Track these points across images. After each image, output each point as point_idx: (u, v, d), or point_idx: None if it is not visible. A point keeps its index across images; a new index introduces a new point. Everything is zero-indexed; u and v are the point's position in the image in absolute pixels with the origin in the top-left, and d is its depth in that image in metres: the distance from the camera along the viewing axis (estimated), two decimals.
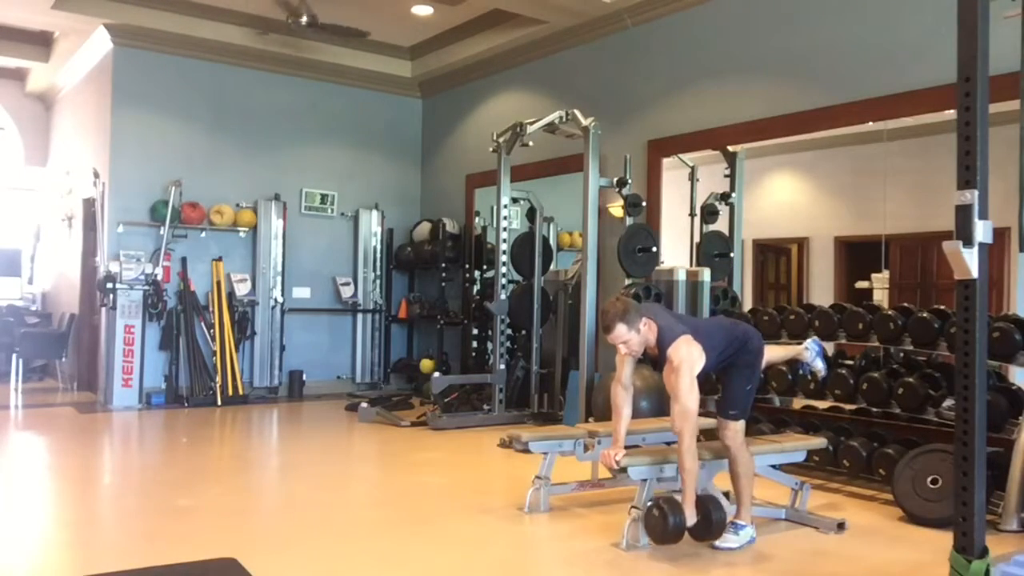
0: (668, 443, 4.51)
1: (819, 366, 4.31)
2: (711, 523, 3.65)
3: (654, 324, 3.68)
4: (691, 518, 3.59)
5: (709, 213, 6.82)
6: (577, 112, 6.67)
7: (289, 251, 8.85)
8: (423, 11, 8.08)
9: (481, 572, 3.50)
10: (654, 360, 3.83)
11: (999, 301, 5.16)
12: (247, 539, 3.82)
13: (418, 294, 9.53)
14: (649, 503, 3.65)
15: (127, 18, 7.87)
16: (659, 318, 3.73)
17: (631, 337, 3.63)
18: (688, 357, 3.57)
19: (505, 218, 7.27)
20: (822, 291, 6.43)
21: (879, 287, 6.03)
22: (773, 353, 4.19)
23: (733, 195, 6.77)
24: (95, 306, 8.42)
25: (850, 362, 5.19)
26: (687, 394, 3.54)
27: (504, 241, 7.26)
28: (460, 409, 7.32)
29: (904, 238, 6.00)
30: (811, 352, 4.27)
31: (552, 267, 7.77)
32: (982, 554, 2.49)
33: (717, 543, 3.69)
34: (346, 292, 9.28)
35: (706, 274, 6.29)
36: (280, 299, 8.73)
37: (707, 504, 3.65)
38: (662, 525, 3.54)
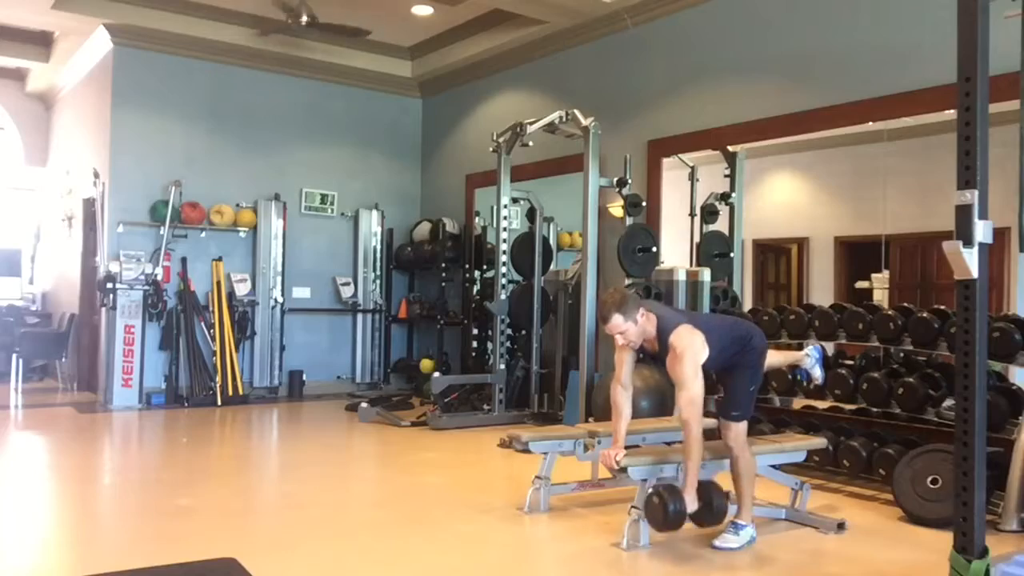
0: (668, 443, 4.51)
1: (817, 373, 4.31)
2: (712, 509, 3.64)
3: (653, 315, 3.68)
4: (692, 504, 3.57)
5: (709, 213, 6.82)
6: (577, 112, 6.66)
7: (289, 251, 8.85)
8: (423, 11, 8.08)
9: (481, 572, 3.50)
10: (654, 355, 3.81)
11: (999, 301, 5.16)
12: (247, 539, 3.82)
13: (418, 294, 9.53)
14: (649, 491, 3.63)
15: (127, 18, 7.87)
16: (658, 310, 3.74)
17: (628, 328, 3.62)
18: (691, 344, 3.56)
19: (505, 218, 7.27)
20: (822, 291, 6.43)
21: (879, 287, 6.03)
22: (774, 358, 4.17)
23: (733, 195, 6.77)
24: (95, 306, 8.42)
25: (850, 362, 5.19)
26: (692, 380, 3.53)
27: (504, 241, 7.26)
28: (460, 409, 7.32)
29: (904, 238, 5.99)
30: (811, 359, 4.27)
31: (552, 267, 7.77)
32: (982, 554, 2.49)
33: (717, 543, 3.69)
34: (346, 292, 9.28)
35: (706, 274, 6.29)
36: (280, 299, 8.73)
37: (708, 490, 3.64)
38: (662, 512, 3.52)
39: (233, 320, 8.39)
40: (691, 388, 3.52)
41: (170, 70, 8.34)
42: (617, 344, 3.76)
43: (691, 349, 3.55)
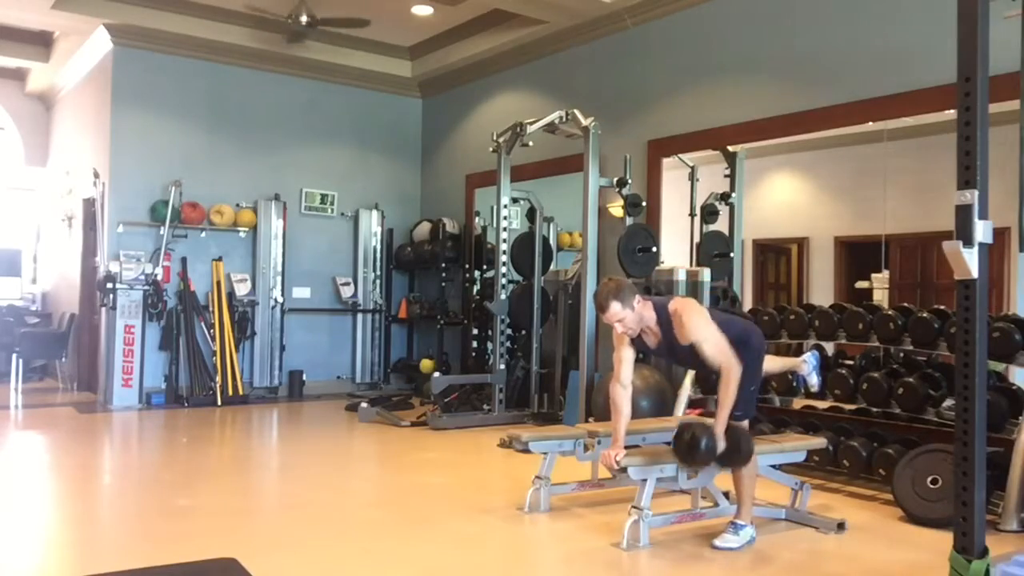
0: (668, 443, 4.51)
1: (814, 380, 4.33)
2: (740, 452, 3.63)
3: (648, 302, 3.70)
4: (722, 444, 3.57)
5: (709, 213, 6.82)
6: (577, 112, 6.67)
7: (289, 251, 8.85)
8: (423, 11, 8.08)
9: (481, 572, 3.50)
10: (656, 347, 3.78)
11: (999, 301, 5.16)
12: (247, 539, 3.82)
13: (418, 294, 9.53)
14: (681, 428, 3.67)
15: (127, 18, 7.87)
16: (654, 299, 3.80)
17: (626, 315, 3.63)
18: (690, 302, 3.68)
19: (505, 218, 7.27)
20: (822, 291, 6.43)
21: (879, 287, 6.03)
22: (771, 364, 4.16)
23: (733, 195, 6.77)
24: (95, 306, 8.41)
25: (850, 362, 5.19)
26: (708, 330, 3.58)
27: (504, 241, 7.26)
28: (460, 409, 7.32)
29: (904, 238, 6.00)
30: (808, 365, 4.28)
31: (552, 267, 7.77)
32: (982, 554, 2.49)
33: (717, 543, 3.70)
34: (346, 292, 9.28)
35: (706, 274, 6.29)
36: (280, 299, 8.73)
37: (736, 434, 3.63)
38: (695, 447, 3.54)
39: (233, 320, 8.39)
40: (712, 337, 3.57)
41: (170, 70, 8.34)
42: (615, 333, 3.75)
43: (691, 305, 3.67)
